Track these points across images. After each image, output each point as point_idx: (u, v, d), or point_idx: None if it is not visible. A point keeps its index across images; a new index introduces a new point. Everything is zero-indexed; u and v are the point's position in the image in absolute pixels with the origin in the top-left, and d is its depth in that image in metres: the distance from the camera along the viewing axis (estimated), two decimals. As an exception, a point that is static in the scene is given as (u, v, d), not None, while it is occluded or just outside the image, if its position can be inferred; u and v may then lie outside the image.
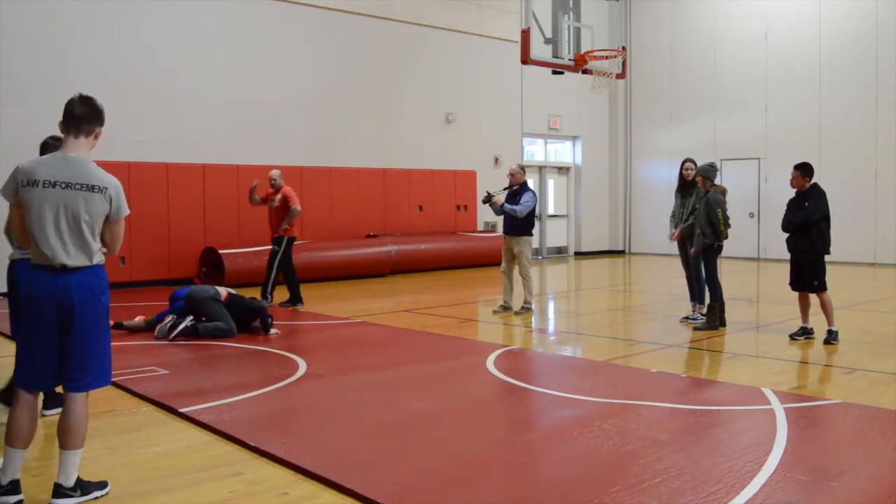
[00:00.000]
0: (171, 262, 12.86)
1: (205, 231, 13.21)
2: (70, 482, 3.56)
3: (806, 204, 7.38)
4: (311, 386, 5.90)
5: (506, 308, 9.65)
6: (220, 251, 12.54)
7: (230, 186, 13.45)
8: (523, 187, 9.54)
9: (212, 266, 12.97)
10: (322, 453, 4.31)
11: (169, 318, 7.77)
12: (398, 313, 9.82)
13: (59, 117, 3.67)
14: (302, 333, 8.25)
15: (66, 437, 3.56)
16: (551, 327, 8.91)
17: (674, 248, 9.33)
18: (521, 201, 9.35)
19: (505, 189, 9.69)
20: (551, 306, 10.92)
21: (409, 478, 3.91)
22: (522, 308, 9.53)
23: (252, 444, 4.43)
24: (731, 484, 3.73)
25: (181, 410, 5.13)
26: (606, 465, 4.07)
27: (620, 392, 5.60)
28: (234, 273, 12.19)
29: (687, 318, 8.85)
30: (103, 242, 3.68)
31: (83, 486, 3.61)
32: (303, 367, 6.46)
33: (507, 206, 9.40)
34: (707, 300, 8.51)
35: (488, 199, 9.57)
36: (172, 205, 12.87)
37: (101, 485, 3.70)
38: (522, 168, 9.75)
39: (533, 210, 9.47)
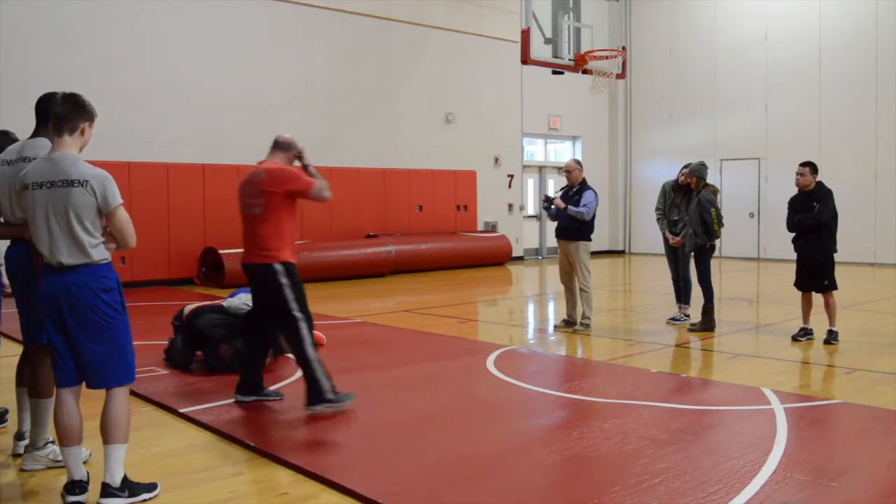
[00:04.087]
0: (171, 262, 12.86)
1: (205, 231, 13.21)
2: (116, 481, 3.56)
3: (815, 204, 7.38)
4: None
5: (568, 323, 8.53)
6: (220, 251, 12.55)
7: (230, 186, 13.34)
8: (583, 186, 8.44)
9: (212, 266, 12.97)
10: (322, 453, 4.31)
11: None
12: (398, 313, 9.82)
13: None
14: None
15: (106, 432, 3.60)
16: (551, 327, 8.90)
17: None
18: (584, 202, 8.26)
19: (561, 190, 8.66)
20: (551, 306, 10.92)
21: (409, 478, 3.91)
22: (581, 324, 8.37)
23: (252, 444, 4.43)
24: (731, 484, 3.73)
25: (181, 410, 5.14)
26: (606, 465, 4.07)
27: (620, 392, 5.60)
28: (234, 273, 12.18)
29: (673, 318, 8.83)
30: (112, 238, 3.67)
31: (131, 487, 3.62)
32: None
33: (572, 209, 8.23)
34: (695, 301, 8.47)
35: (549, 202, 8.49)
36: (172, 205, 12.87)
37: (150, 487, 3.71)
38: (580, 163, 8.62)
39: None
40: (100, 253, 3.61)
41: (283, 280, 5.08)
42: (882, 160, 15.97)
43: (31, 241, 3.87)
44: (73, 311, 3.54)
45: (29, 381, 4.20)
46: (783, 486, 3.71)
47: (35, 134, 4.19)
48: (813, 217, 7.36)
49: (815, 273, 7.48)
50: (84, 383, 3.69)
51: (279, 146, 5.34)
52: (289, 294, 5.08)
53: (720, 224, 8.06)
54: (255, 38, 14.00)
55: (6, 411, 4.98)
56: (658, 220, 8.95)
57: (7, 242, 4.24)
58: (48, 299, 3.57)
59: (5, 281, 4.49)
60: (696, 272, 8.38)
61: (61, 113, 3.61)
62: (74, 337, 3.57)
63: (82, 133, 3.67)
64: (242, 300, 6.66)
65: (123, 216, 3.64)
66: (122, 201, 3.63)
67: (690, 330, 8.29)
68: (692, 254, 8.43)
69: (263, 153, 5.41)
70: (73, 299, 3.53)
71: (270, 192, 5.06)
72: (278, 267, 5.08)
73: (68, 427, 3.63)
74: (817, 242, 7.40)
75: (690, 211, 8.23)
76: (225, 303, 6.73)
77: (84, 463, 3.82)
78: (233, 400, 5.37)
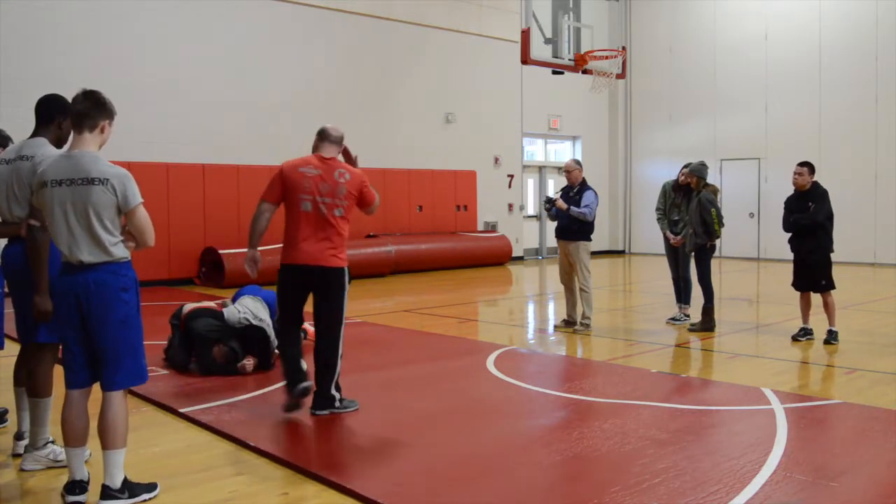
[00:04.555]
0: (171, 262, 12.86)
1: (205, 231, 13.21)
2: (116, 483, 3.55)
3: (810, 204, 7.38)
4: (311, 386, 5.89)
5: (568, 323, 8.52)
6: (220, 251, 12.55)
7: (230, 186, 13.46)
8: (583, 186, 8.40)
9: (212, 266, 12.97)
10: (322, 453, 4.31)
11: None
12: (398, 313, 9.82)
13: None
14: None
15: (104, 437, 3.56)
16: (551, 327, 8.90)
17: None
18: (585, 203, 8.23)
19: (561, 190, 8.60)
20: (551, 306, 10.92)
21: (409, 478, 3.91)
22: (581, 324, 8.37)
23: (252, 444, 4.43)
24: (731, 484, 3.73)
25: (181, 410, 5.14)
26: (606, 465, 4.08)
27: (620, 392, 5.60)
28: (234, 273, 12.19)
29: (673, 318, 8.83)
30: (131, 237, 3.65)
31: (131, 488, 3.61)
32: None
33: (575, 209, 8.20)
34: (695, 301, 8.47)
35: (551, 204, 8.41)
36: (172, 205, 12.86)
37: (150, 487, 3.70)
38: (580, 163, 8.59)
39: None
40: (120, 251, 3.58)
41: (347, 285, 4.94)
42: (882, 160, 15.97)
43: (27, 239, 3.85)
44: (92, 310, 3.51)
45: (27, 380, 4.19)
46: (783, 486, 3.71)
47: (34, 134, 4.18)
48: (808, 217, 7.36)
49: (812, 273, 7.48)
50: (93, 384, 3.67)
51: (334, 140, 5.03)
52: (345, 300, 4.95)
53: (720, 224, 8.06)
54: (255, 38, 14.00)
55: (6, 411, 4.98)
56: (658, 219, 8.96)
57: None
58: (66, 298, 3.54)
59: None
60: (696, 272, 8.39)
61: (82, 110, 3.59)
62: (92, 336, 3.55)
63: (102, 131, 3.65)
64: (242, 312, 6.45)
65: (143, 215, 3.60)
66: (142, 200, 3.60)
67: (690, 330, 8.29)
68: (692, 254, 8.43)
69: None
70: (92, 298, 3.50)
71: (352, 195, 4.93)
72: (347, 271, 4.93)
73: (75, 428, 3.62)
74: (814, 242, 7.40)
75: (690, 211, 8.23)
76: (225, 312, 6.52)
77: (84, 462, 3.82)
78: (229, 401, 5.31)
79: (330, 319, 4.94)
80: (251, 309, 6.51)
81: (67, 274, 3.55)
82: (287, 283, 4.99)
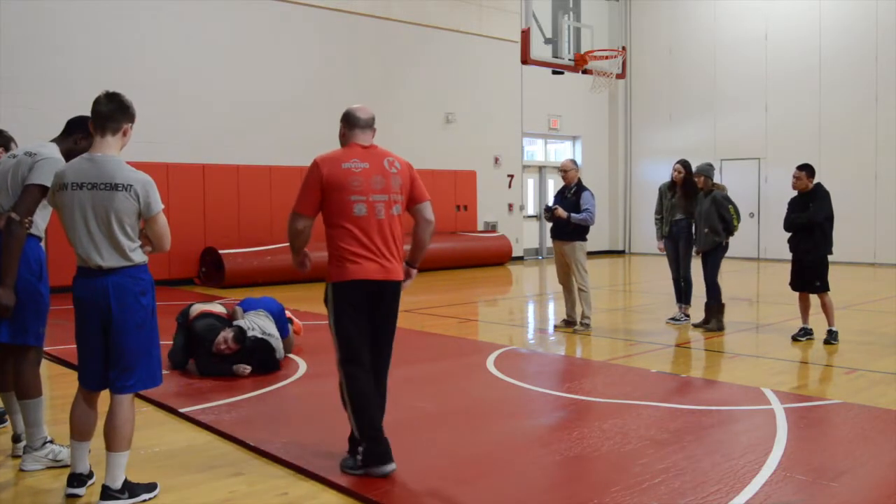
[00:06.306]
0: (171, 262, 12.85)
1: (205, 231, 13.20)
2: (117, 484, 3.55)
3: (810, 205, 7.38)
4: (312, 386, 5.89)
5: (568, 323, 8.52)
6: (220, 251, 12.54)
7: (230, 186, 13.46)
8: (580, 186, 8.32)
9: (212, 266, 12.97)
10: (322, 453, 4.31)
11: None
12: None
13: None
14: (302, 333, 8.23)
15: (110, 439, 3.56)
16: (551, 327, 8.90)
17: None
18: (585, 206, 8.15)
19: (557, 192, 8.58)
20: (551, 306, 10.92)
21: (410, 478, 3.91)
22: (581, 324, 8.38)
23: (252, 444, 4.43)
24: (731, 484, 3.73)
25: (181, 410, 5.14)
26: (606, 465, 4.07)
27: (620, 392, 5.60)
28: (234, 273, 12.19)
29: (673, 318, 8.83)
30: (148, 241, 3.64)
31: (131, 489, 3.61)
32: (303, 367, 6.46)
33: (575, 217, 8.11)
34: (695, 301, 8.47)
35: (550, 213, 8.28)
36: (172, 205, 12.81)
37: (150, 487, 3.71)
38: (576, 163, 8.49)
39: None
40: (138, 256, 3.59)
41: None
42: (882, 160, 15.96)
43: (4, 232, 3.78)
44: (112, 314, 3.51)
45: (14, 384, 4.13)
46: (783, 486, 3.71)
47: (53, 140, 4.12)
48: (804, 217, 7.37)
49: (808, 273, 7.47)
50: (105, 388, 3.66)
51: (366, 125, 4.18)
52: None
53: (738, 219, 8.16)
54: (255, 38, 14.00)
55: (5, 412, 4.97)
56: (655, 222, 8.98)
57: None
58: (86, 302, 3.53)
59: None
60: (703, 270, 8.30)
61: (106, 112, 3.54)
62: (113, 340, 3.53)
63: (124, 134, 3.61)
64: (252, 329, 6.36)
65: (163, 222, 3.60)
66: (163, 206, 3.58)
67: (696, 326, 8.29)
68: (703, 253, 8.34)
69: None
70: (112, 302, 3.50)
71: (406, 187, 4.10)
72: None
73: (82, 424, 3.65)
74: (811, 243, 7.40)
75: (704, 210, 8.22)
76: (242, 323, 6.42)
77: (86, 456, 3.83)
78: (229, 400, 5.32)
79: (390, 344, 4.10)
80: (259, 325, 6.50)
81: (85, 278, 3.54)
82: (350, 307, 3.91)
